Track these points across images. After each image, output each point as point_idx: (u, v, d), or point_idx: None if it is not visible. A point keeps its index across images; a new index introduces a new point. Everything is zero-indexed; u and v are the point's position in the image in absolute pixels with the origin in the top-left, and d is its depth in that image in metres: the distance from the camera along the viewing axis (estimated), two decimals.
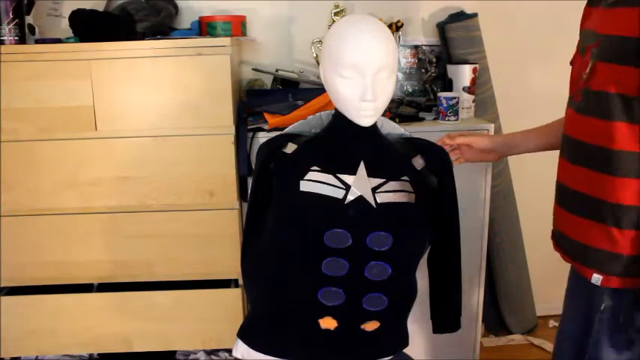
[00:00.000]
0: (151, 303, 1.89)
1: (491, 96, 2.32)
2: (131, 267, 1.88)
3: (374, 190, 1.22)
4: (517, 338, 2.48)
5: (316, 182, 1.21)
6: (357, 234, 1.18)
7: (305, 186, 1.21)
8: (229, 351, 2.09)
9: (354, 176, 1.22)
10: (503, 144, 1.54)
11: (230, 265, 1.89)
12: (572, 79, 1.26)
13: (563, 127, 1.28)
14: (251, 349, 1.32)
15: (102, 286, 1.93)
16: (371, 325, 1.23)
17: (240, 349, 1.34)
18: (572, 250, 1.23)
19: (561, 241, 1.28)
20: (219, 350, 2.10)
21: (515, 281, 2.43)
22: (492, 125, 1.98)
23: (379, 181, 1.23)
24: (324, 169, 1.22)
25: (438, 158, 1.31)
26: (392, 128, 1.37)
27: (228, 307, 1.89)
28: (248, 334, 1.34)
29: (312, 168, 1.22)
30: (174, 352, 2.09)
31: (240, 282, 1.93)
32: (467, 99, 2.08)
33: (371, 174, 1.23)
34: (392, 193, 1.22)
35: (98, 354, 2.06)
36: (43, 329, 1.89)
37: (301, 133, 1.33)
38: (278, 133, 1.36)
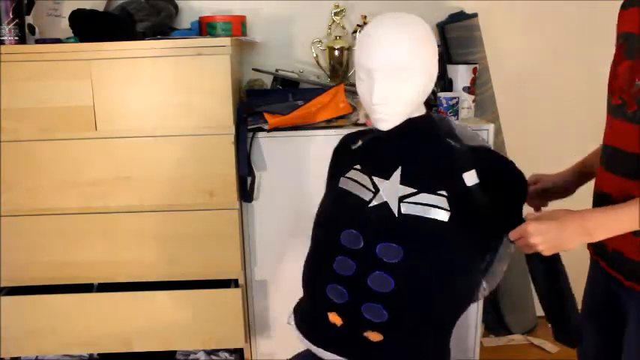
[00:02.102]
0: (151, 303, 1.89)
1: (491, 96, 2.32)
2: (131, 267, 1.88)
3: (402, 198, 1.16)
4: (517, 338, 2.48)
5: (352, 180, 1.22)
6: (368, 239, 1.16)
7: (343, 182, 1.24)
8: (229, 351, 2.09)
9: (386, 181, 1.19)
10: (572, 174, 1.37)
11: (230, 265, 1.89)
12: (618, 86, 1.14)
13: (607, 138, 1.18)
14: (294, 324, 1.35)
15: (102, 286, 1.93)
16: (374, 336, 1.19)
17: (292, 320, 1.37)
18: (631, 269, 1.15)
19: (615, 258, 1.18)
20: (219, 350, 2.10)
21: (515, 281, 2.43)
22: (492, 125, 1.98)
23: (410, 190, 1.17)
24: (363, 169, 1.22)
25: (498, 175, 1.18)
26: (467, 136, 1.24)
27: (228, 307, 1.89)
28: (296, 308, 1.37)
29: (355, 166, 1.23)
30: (174, 352, 2.09)
31: (241, 282, 1.93)
32: (467, 99, 2.08)
33: (404, 182, 1.17)
34: (420, 206, 1.15)
35: (98, 354, 2.06)
36: (43, 329, 1.89)
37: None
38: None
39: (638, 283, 1.13)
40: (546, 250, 1.10)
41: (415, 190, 1.16)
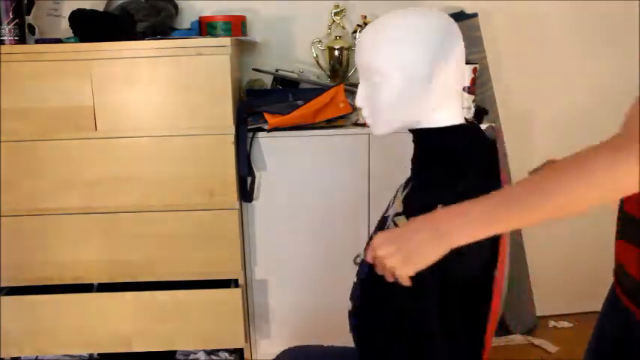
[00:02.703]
0: (151, 303, 1.89)
1: (492, 96, 2.32)
2: (131, 267, 1.88)
3: (394, 216, 1.08)
4: (517, 338, 2.48)
5: (396, 189, 1.17)
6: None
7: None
8: (229, 351, 2.09)
9: (399, 195, 1.11)
10: None
11: (230, 265, 1.89)
12: None
13: None
14: None
15: (102, 286, 1.93)
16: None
17: None
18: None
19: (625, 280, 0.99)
20: (219, 350, 2.10)
21: (515, 281, 2.43)
22: (492, 125, 1.98)
23: (399, 209, 1.07)
24: (409, 180, 1.13)
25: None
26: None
27: (228, 307, 1.89)
28: None
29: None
30: (174, 352, 2.09)
31: (241, 282, 1.93)
32: (467, 99, 2.08)
33: (404, 199, 1.08)
34: (397, 229, 0.99)
35: (98, 354, 2.06)
36: (43, 329, 1.89)
37: None
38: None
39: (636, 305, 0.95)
40: (398, 266, 0.86)
41: (403, 211, 1.05)
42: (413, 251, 0.85)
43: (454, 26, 1.04)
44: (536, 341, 2.46)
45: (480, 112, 0.90)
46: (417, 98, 1.03)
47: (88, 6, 1.81)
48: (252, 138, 1.89)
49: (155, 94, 1.76)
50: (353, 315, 1.14)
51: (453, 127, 1.06)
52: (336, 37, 2.21)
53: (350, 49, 2.20)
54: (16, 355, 1.98)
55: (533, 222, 0.79)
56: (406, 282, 0.89)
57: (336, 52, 2.18)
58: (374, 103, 1.05)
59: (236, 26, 2.06)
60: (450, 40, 1.02)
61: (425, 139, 1.07)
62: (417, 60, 1.01)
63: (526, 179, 0.82)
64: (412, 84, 1.01)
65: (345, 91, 1.97)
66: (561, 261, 2.57)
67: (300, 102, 1.92)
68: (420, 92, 1.02)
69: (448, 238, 0.83)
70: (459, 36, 1.04)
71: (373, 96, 1.04)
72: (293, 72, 2.23)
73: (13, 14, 1.73)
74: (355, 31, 2.23)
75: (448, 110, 1.07)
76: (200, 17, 2.08)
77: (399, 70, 1.01)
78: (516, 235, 2.43)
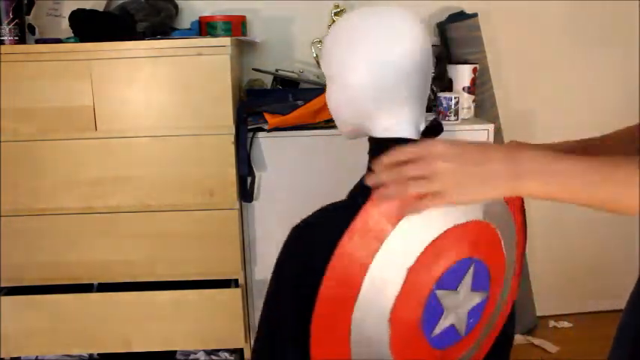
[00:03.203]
0: (151, 303, 1.89)
1: (492, 96, 2.32)
2: (131, 267, 1.88)
3: None
4: (517, 338, 2.48)
5: None
6: None
7: None
8: (229, 351, 2.09)
9: None
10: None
11: (230, 265, 1.89)
12: None
13: None
14: None
15: (102, 286, 1.93)
16: None
17: None
18: None
19: None
20: (219, 350, 2.10)
21: None
22: (492, 125, 1.98)
23: None
24: None
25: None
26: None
27: (228, 307, 1.89)
28: None
29: None
30: (175, 352, 2.09)
31: (241, 282, 1.93)
32: (467, 99, 2.08)
33: None
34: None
35: (98, 354, 2.06)
36: (43, 329, 1.89)
37: None
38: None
39: None
40: (448, 190, 0.68)
41: None
42: (476, 179, 0.66)
43: (391, 28, 0.91)
44: (536, 341, 2.46)
45: (435, 128, 0.87)
46: (352, 104, 0.95)
47: (88, 6, 1.81)
48: (252, 138, 1.89)
49: (155, 94, 1.76)
50: None
51: (391, 140, 0.95)
52: None
53: None
54: (16, 355, 1.98)
55: (615, 205, 0.66)
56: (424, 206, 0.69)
57: None
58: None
59: (236, 26, 2.06)
60: (377, 41, 0.90)
61: (371, 148, 1.00)
62: (338, 61, 0.94)
63: (622, 158, 0.66)
64: (337, 87, 0.95)
65: None
66: (561, 261, 2.57)
67: (300, 102, 1.92)
68: (352, 98, 0.94)
69: (521, 177, 0.66)
70: (395, 40, 0.92)
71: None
72: (293, 72, 2.23)
73: (13, 14, 1.74)
74: None
75: (391, 119, 0.96)
76: (200, 17, 2.09)
77: (328, 72, 0.97)
78: None
